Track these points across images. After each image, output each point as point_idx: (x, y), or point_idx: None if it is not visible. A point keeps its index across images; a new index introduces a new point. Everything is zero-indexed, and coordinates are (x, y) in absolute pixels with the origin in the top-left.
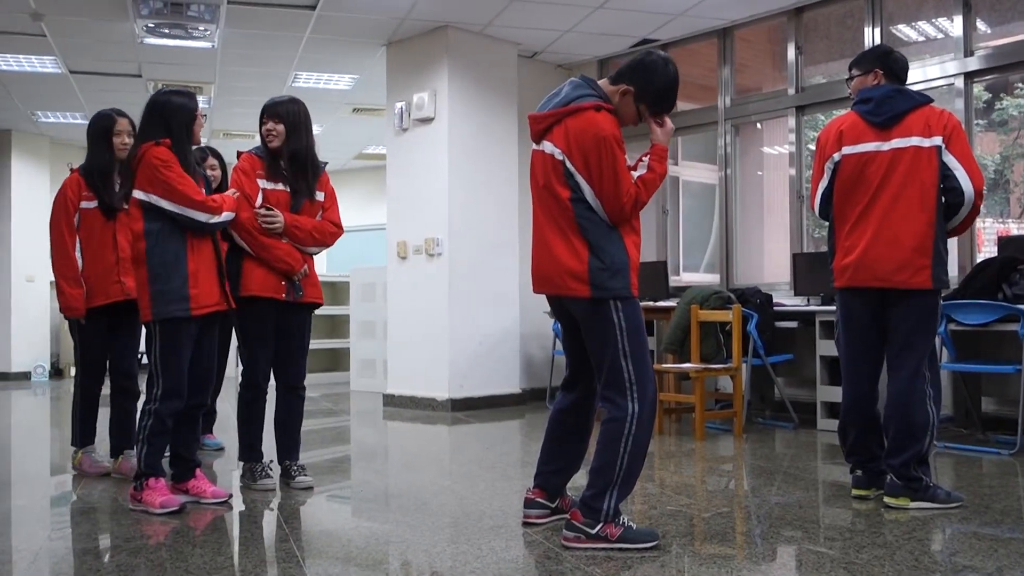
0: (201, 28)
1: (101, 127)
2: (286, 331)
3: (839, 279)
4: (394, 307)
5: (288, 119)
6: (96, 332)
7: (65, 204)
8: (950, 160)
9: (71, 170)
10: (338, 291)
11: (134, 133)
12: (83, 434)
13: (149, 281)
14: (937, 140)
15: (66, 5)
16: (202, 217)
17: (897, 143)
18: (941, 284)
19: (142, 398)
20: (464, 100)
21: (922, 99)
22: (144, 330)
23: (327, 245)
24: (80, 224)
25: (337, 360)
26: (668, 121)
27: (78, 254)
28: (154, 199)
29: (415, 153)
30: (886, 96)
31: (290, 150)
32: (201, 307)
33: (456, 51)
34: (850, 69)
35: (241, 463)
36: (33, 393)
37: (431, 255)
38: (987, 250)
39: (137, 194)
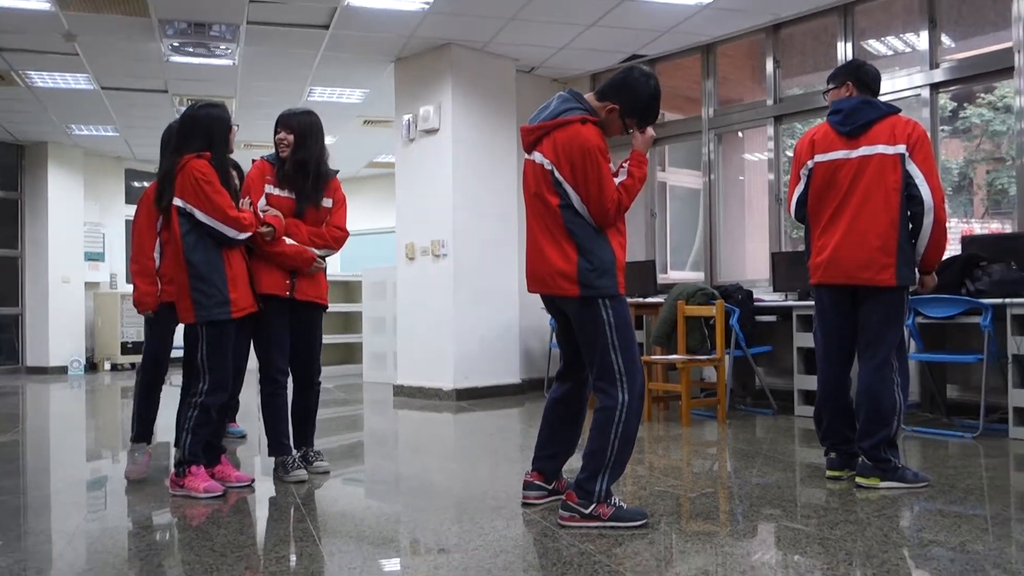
0: (223, 47)
1: (164, 138)
2: (299, 329)
3: (813, 276)
4: (403, 304)
5: (297, 129)
6: (163, 329)
7: (147, 204)
8: (912, 169)
9: None
10: (351, 290)
11: None
12: (136, 430)
13: (191, 285)
14: (901, 148)
15: (97, 26)
16: (231, 233)
17: (864, 151)
18: (906, 281)
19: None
20: (466, 112)
21: (889, 109)
22: (181, 326)
23: (331, 248)
24: (165, 225)
25: (351, 353)
26: (649, 129)
27: (157, 253)
28: (191, 208)
29: (421, 161)
30: (854, 108)
31: (296, 159)
32: (240, 309)
33: (459, 67)
34: (828, 82)
35: (273, 457)
36: (70, 386)
37: (437, 256)
38: (952, 248)
39: (176, 201)
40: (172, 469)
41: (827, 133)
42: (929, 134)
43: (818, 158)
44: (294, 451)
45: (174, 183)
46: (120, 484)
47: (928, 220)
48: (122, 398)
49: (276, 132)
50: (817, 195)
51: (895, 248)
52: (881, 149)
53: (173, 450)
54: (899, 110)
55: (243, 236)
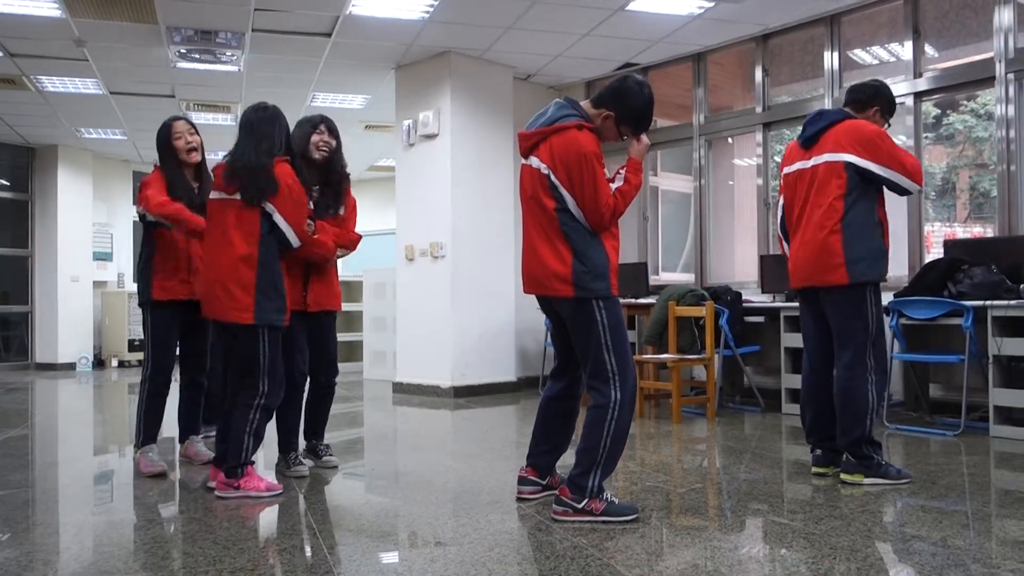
0: (228, 54)
1: (161, 137)
2: (315, 336)
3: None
4: (403, 304)
5: (338, 137)
6: (169, 328)
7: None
8: (880, 170)
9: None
10: (353, 290)
11: (194, 131)
12: (146, 433)
13: (257, 287)
14: (845, 156)
15: (107, 33)
16: (296, 242)
17: (814, 160)
18: (861, 278)
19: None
20: (465, 118)
21: (838, 116)
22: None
23: (349, 251)
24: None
25: (352, 352)
26: (644, 137)
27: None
28: (271, 209)
29: (421, 166)
30: (810, 120)
31: (335, 164)
32: (286, 319)
33: (458, 74)
34: None
35: (279, 453)
36: (78, 382)
37: (436, 257)
38: (935, 251)
39: (266, 205)
40: (221, 473)
41: (792, 146)
42: (913, 141)
43: (785, 171)
44: (299, 447)
45: (259, 179)
46: (126, 479)
47: (915, 190)
48: (129, 394)
49: (317, 132)
50: (787, 205)
51: (841, 248)
52: (827, 158)
53: (178, 446)
54: (850, 115)
55: (297, 246)
